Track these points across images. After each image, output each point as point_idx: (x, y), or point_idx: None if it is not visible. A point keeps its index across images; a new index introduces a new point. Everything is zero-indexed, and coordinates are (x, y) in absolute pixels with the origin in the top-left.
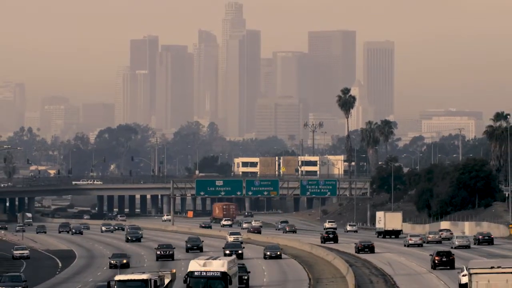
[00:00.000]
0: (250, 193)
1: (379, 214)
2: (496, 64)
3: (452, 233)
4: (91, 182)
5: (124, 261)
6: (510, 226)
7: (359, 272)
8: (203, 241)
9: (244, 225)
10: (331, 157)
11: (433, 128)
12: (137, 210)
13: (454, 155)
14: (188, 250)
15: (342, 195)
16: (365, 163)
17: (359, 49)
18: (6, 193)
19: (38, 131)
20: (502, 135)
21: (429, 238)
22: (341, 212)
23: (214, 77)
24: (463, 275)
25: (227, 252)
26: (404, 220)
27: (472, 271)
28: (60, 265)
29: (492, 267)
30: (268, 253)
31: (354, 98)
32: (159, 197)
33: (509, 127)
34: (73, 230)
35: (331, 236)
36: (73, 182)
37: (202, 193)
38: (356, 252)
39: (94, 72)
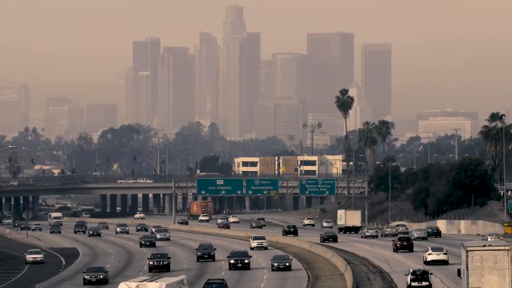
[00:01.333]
0: (250, 192)
1: (340, 212)
2: (491, 66)
3: (407, 228)
4: (130, 181)
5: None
6: (505, 224)
7: (357, 270)
8: (215, 248)
9: (219, 221)
10: (329, 157)
11: (429, 129)
12: (139, 209)
13: (450, 155)
14: (198, 259)
15: (340, 194)
16: (363, 163)
17: (357, 51)
18: (11, 192)
19: (43, 131)
20: (497, 135)
21: (386, 232)
22: None
23: (215, 78)
24: (428, 254)
25: (232, 261)
26: (401, 219)
27: (468, 248)
28: (63, 262)
29: (484, 246)
30: (276, 264)
31: (352, 99)
32: (161, 196)
33: (504, 128)
34: (90, 232)
35: (291, 230)
36: (119, 181)
37: (203, 192)
38: (321, 241)
39: (98, 74)
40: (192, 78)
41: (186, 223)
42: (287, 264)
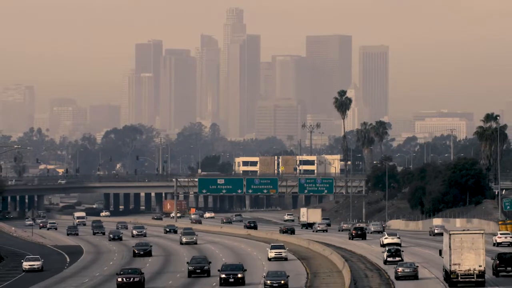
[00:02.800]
0: (250, 191)
1: (303, 210)
2: (486, 68)
3: (366, 224)
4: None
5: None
6: (500, 222)
7: (355, 267)
8: (210, 262)
9: (192, 216)
10: (328, 157)
11: (425, 129)
12: (142, 207)
13: (446, 155)
14: (190, 274)
15: (338, 193)
16: (360, 162)
17: (355, 53)
18: (17, 191)
19: (47, 132)
20: (492, 136)
21: (343, 227)
22: (338, 209)
23: (215, 79)
24: (385, 238)
25: (223, 276)
26: (397, 217)
27: (451, 233)
28: (68, 260)
29: (463, 230)
30: (269, 282)
31: (350, 100)
32: (163, 195)
33: (499, 128)
34: (111, 236)
35: (252, 225)
36: (148, 180)
37: (204, 191)
38: (280, 232)
39: (101, 75)
40: (194, 79)
41: (160, 219)
42: (282, 282)
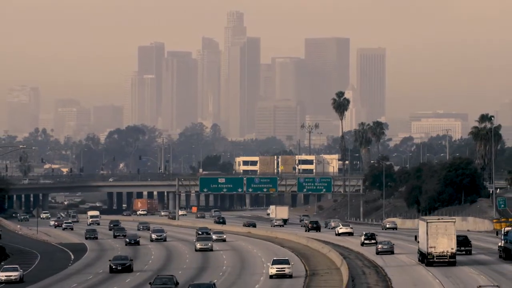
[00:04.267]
0: (250, 190)
1: (272, 208)
2: (481, 70)
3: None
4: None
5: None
6: (494, 221)
7: (353, 264)
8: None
9: (162, 213)
10: (326, 156)
11: (422, 129)
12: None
13: (442, 154)
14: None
15: (336, 191)
16: (358, 162)
17: (352, 55)
18: (22, 190)
19: (52, 132)
20: (486, 136)
21: (305, 223)
22: (336, 207)
23: (216, 81)
24: (339, 228)
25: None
26: (394, 216)
27: (428, 221)
28: (72, 257)
29: (439, 219)
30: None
31: (348, 101)
32: (165, 193)
33: (493, 128)
34: (127, 240)
35: (221, 220)
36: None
37: (205, 190)
38: (244, 226)
39: (104, 77)
40: (195, 81)
41: (130, 215)
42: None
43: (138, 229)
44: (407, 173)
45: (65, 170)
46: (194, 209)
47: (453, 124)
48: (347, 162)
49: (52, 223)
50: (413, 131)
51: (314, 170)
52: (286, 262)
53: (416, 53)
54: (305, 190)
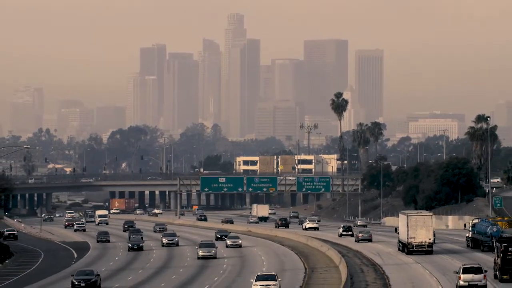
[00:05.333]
0: (250, 189)
1: (254, 206)
2: (477, 71)
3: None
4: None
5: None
6: (490, 219)
7: (351, 262)
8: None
9: (137, 212)
10: (325, 156)
11: (419, 130)
12: (146, 205)
13: (439, 154)
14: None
15: (335, 191)
16: (356, 162)
17: (351, 56)
18: (26, 189)
19: (55, 132)
20: (482, 136)
21: (276, 220)
22: (334, 206)
23: (217, 82)
24: (306, 223)
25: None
26: (392, 214)
27: (409, 215)
28: (75, 255)
29: (418, 213)
30: None
31: (346, 101)
32: (167, 193)
33: (489, 129)
34: (130, 245)
35: (203, 218)
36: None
37: (206, 189)
38: (222, 222)
39: (107, 78)
40: (196, 82)
41: (143, 214)
42: None
43: (155, 231)
44: (405, 173)
45: (68, 169)
46: (195, 208)
47: (449, 124)
48: (345, 162)
49: (68, 224)
50: (411, 131)
51: (313, 170)
52: (272, 278)
53: (414, 55)
54: (304, 189)
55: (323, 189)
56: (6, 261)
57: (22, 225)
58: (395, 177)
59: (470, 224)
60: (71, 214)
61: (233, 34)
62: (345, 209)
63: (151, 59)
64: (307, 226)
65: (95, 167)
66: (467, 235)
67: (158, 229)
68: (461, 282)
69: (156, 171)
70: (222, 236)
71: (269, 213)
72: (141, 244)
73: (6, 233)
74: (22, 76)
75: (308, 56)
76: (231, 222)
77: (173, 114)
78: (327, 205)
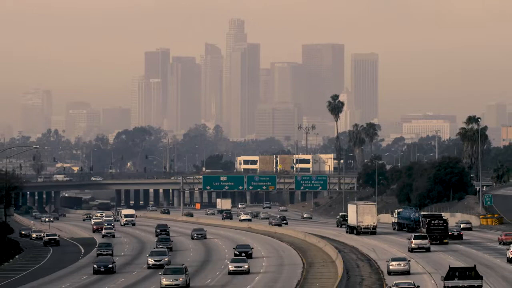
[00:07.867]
0: (250, 187)
1: (218, 200)
2: (469, 73)
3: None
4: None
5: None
6: (481, 216)
7: (347, 257)
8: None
9: (150, 209)
10: (322, 156)
11: (412, 130)
12: (151, 202)
13: (431, 154)
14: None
15: (332, 189)
16: (352, 161)
17: (347, 60)
18: (36, 187)
19: (63, 133)
20: (473, 136)
21: (261, 217)
22: (331, 204)
23: (218, 85)
24: (241, 216)
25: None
26: (386, 212)
27: (357, 204)
28: (82, 251)
29: (364, 203)
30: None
31: (342, 103)
32: (170, 191)
33: (480, 129)
34: (95, 267)
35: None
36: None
37: (208, 187)
38: (222, 220)
39: (113, 80)
40: (198, 84)
41: (155, 211)
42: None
43: (192, 238)
44: (399, 172)
45: (75, 168)
46: (197, 205)
47: (442, 125)
48: (342, 161)
49: (97, 228)
50: (404, 132)
51: (310, 169)
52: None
53: (407, 59)
54: (302, 187)
55: (320, 188)
56: (16, 257)
57: (32, 222)
58: (389, 176)
59: (396, 212)
60: (100, 213)
61: (234, 38)
62: (342, 206)
63: (156, 62)
64: (242, 218)
65: (101, 166)
66: (392, 220)
67: (196, 235)
68: (413, 245)
69: (160, 170)
70: (241, 252)
71: (262, 212)
72: (109, 266)
73: (46, 238)
74: (32, 79)
75: (306, 60)
76: (192, 215)
77: (177, 115)
78: (324, 202)
